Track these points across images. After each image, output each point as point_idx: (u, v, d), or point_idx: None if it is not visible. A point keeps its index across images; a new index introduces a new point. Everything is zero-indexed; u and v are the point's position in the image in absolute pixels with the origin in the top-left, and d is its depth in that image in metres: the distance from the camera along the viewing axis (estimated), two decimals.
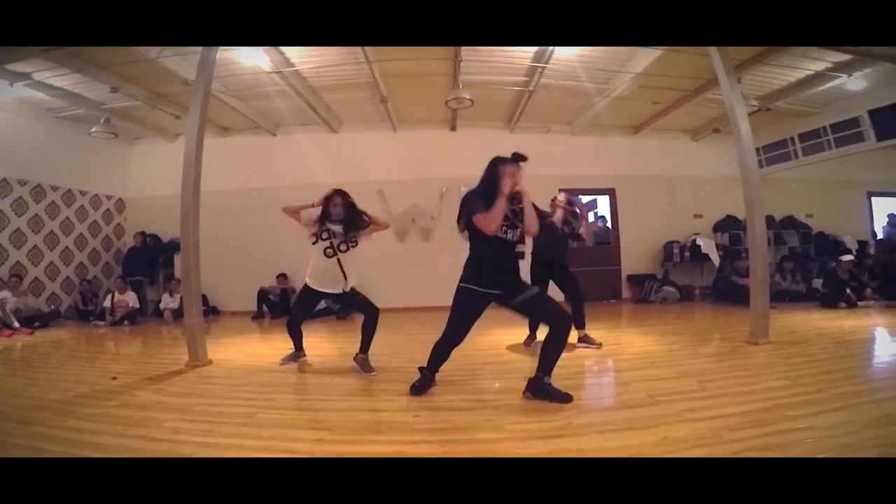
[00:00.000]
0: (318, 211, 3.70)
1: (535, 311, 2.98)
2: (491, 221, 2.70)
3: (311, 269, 3.76)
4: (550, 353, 2.81)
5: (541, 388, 2.76)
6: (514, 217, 2.82)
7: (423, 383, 3.03)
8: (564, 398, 2.69)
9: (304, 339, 4.08)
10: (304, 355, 4.13)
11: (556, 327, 2.81)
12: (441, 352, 3.03)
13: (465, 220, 2.83)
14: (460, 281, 2.90)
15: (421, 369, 3.08)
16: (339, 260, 3.67)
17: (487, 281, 2.83)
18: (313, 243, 3.73)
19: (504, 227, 2.78)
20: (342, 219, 3.70)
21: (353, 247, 3.74)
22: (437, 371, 3.09)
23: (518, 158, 2.87)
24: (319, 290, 3.75)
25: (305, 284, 3.81)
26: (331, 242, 3.66)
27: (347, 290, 3.75)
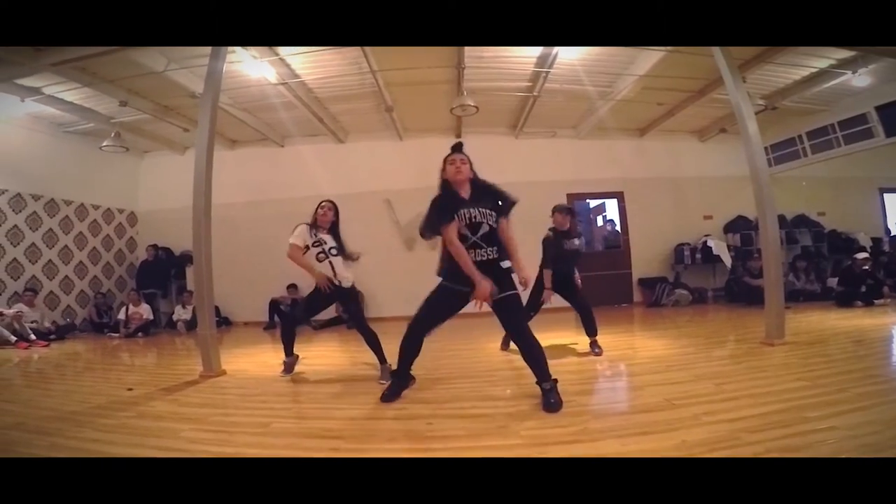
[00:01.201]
0: (306, 227, 3.82)
1: (500, 313, 2.84)
2: (448, 243, 2.72)
3: None
4: (529, 363, 2.80)
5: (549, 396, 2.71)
6: (474, 232, 2.73)
7: (394, 389, 3.02)
8: (551, 407, 2.62)
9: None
10: (298, 356, 4.15)
11: (515, 340, 2.83)
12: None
13: (426, 229, 2.84)
14: (441, 277, 2.89)
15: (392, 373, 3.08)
16: (330, 262, 3.74)
17: (461, 278, 2.75)
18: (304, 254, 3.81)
19: (470, 250, 2.72)
20: (331, 226, 3.83)
21: (342, 255, 3.83)
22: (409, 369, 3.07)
23: (455, 147, 2.89)
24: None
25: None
26: (322, 248, 3.74)
27: (342, 284, 3.80)
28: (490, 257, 2.75)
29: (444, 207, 2.75)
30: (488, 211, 2.76)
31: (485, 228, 2.73)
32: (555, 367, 3.30)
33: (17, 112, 6.80)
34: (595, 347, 4.31)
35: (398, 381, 3.06)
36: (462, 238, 2.72)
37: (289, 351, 4.04)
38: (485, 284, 2.64)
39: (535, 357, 2.77)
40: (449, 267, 2.81)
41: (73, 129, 7.70)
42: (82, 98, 6.65)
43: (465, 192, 2.82)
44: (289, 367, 4.04)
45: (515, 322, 2.84)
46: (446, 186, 2.85)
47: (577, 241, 4.38)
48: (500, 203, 2.84)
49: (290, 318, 4.10)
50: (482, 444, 2.21)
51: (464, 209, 2.74)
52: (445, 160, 2.86)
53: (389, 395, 2.98)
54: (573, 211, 4.48)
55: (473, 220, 2.73)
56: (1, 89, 5.98)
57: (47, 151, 7.60)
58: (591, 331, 4.35)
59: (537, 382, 2.78)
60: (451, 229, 2.70)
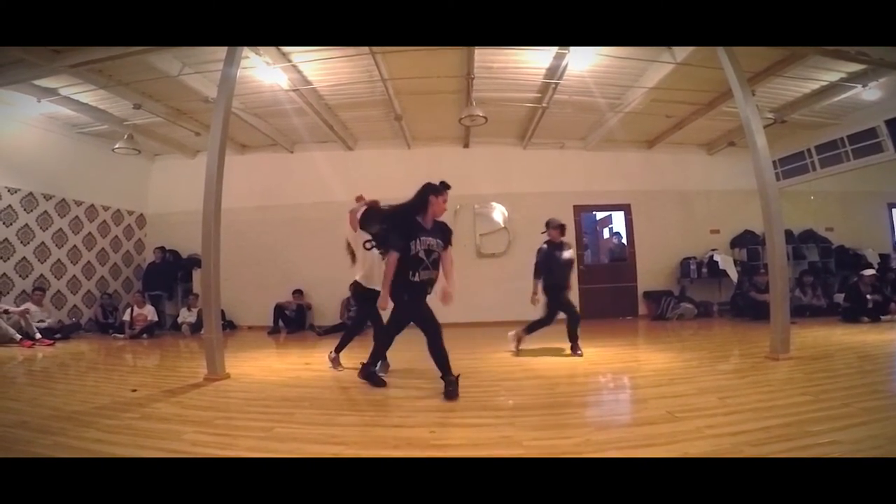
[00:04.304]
0: None
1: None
2: (388, 264, 3.31)
3: None
4: (435, 360, 3.33)
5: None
6: (427, 257, 3.28)
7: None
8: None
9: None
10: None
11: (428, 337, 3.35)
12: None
13: (383, 243, 3.48)
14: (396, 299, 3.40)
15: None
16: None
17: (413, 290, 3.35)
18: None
19: (414, 272, 3.26)
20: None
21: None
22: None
23: (447, 186, 3.40)
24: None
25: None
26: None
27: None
28: (433, 277, 3.37)
29: (403, 234, 3.28)
30: (440, 242, 3.36)
31: (435, 255, 3.33)
32: (559, 380, 3.31)
33: (33, 112, 6.91)
34: (574, 349, 4.79)
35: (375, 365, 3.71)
36: (417, 261, 3.25)
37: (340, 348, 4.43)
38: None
39: (439, 356, 3.31)
40: (404, 287, 3.31)
41: (86, 130, 7.80)
42: (97, 100, 6.75)
43: (429, 223, 3.38)
44: (335, 362, 4.41)
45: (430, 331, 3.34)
46: (414, 212, 3.35)
47: (566, 253, 4.80)
48: (446, 241, 3.41)
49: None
50: (485, 453, 2.21)
51: (423, 237, 3.29)
52: (439, 195, 3.37)
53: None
54: (564, 227, 4.93)
55: (429, 247, 3.30)
56: (19, 90, 6.10)
57: (61, 152, 7.70)
58: (571, 338, 4.84)
59: (441, 377, 3.27)
60: (396, 258, 3.27)
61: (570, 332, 4.81)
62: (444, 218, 3.52)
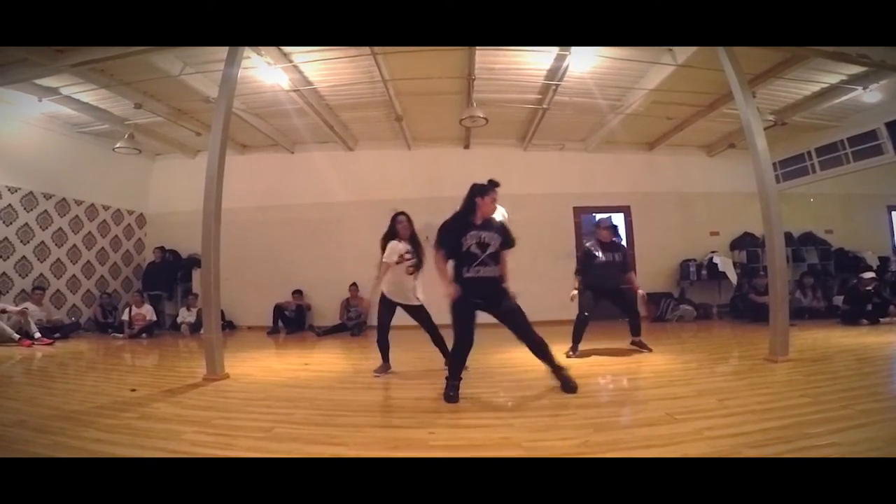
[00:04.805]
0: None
1: (506, 323, 3.29)
2: (439, 270, 3.24)
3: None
4: (539, 356, 3.29)
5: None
6: (482, 249, 3.17)
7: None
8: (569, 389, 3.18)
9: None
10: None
11: (524, 340, 3.26)
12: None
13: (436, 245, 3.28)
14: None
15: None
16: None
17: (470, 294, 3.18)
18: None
19: (476, 266, 3.16)
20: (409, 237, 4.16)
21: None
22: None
23: (496, 184, 3.28)
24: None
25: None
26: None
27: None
28: (494, 275, 3.23)
29: (450, 234, 3.22)
30: (495, 235, 3.25)
31: (492, 249, 3.20)
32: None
33: (34, 111, 6.91)
34: (641, 345, 5.00)
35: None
36: (471, 257, 3.15)
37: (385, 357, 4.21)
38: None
39: (542, 351, 3.27)
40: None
41: (87, 129, 7.81)
42: (98, 99, 6.76)
43: (479, 220, 3.26)
44: (382, 369, 4.18)
45: (519, 325, 3.25)
46: (465, 216, 3.26)
47: (604, 256, 4.86)
48: (503, 235, 3.33)
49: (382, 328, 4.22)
50: (484, 454, 2.21)
51: (474, 231, 3.20)
52: (485, 195, 3.25)
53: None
54: (615, 228, 5.04)
55: (482, 240, 3.18)
56: (20, 89, 6.10)
57: (61, 151, 7.71)
58: (635, 331, 5.05)
59: (553, 372, 3.27)
60: (441, 253, 3.24)
61: (573, 331, 4.90)
62: (444, 219, 3.46)
